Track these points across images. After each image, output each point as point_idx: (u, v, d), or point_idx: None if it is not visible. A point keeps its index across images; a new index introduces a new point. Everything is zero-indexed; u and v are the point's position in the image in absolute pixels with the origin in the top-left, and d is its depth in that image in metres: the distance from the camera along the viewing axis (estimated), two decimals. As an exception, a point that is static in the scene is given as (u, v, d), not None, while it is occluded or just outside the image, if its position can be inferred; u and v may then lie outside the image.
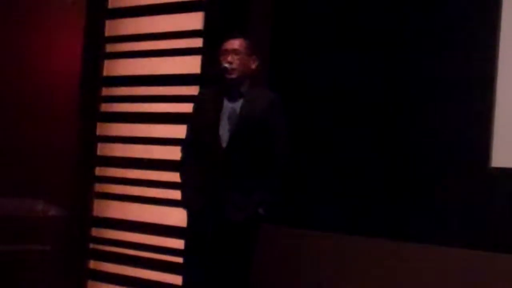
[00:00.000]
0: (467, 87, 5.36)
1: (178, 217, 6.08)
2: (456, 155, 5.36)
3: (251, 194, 4.64)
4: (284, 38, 6.28)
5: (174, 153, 6.10)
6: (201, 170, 4.71)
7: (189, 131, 4.96)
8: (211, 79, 5.04)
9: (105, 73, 7.18)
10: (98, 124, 7.18)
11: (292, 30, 6.25)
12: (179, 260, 6.21)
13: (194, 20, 6.54)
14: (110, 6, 7.19)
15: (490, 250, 5.10)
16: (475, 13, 5.38)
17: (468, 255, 5.16)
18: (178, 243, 6.32)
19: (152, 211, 6.70)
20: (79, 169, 7.12)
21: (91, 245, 7.16)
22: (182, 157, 4.96)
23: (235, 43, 4.79)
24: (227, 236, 4.63)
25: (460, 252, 5.19)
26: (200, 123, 4.77)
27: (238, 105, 4.71)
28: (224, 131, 4.65)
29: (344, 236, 5.67)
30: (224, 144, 4.64)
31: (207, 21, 6.44)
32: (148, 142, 6.77)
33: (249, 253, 4.73)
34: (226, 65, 4.72)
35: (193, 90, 6.29)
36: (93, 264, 7.15)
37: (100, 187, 7.17)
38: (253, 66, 4.81)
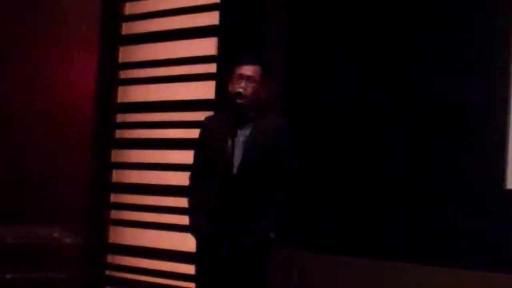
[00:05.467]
0: (483, 110, 5.33)
1: (192, 243, 6.05)
2: (472, 177, 5.33)
3: (262, 219, 4.63)
4: (298, 62, 6.27)
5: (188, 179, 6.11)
6: (211, 195, 4.69)
7: (196, 156, 4.95)
8: (222, 103, 5.04)
9: (119, 100, 7.20)
10: (113, 151, 7.19)
11: (306, 55, 6.25)
12: (193, 286, 6.18)
13: (208, 46, 6.56)
14: (123, 32, 7.23)
15: (505, 272, 5.05)
16: (491, 38, 5.37)
17: (482, 277, 5.11)
18: (192, 269, 6.27)
19: (166, 237, 6.69)
20: (94, 196, 7.13)
21: (107, 272, 7.15)
22: (190, 183, 4.95)
23: (251, 70, 4.75)
24: (239, 260, 4.61)
25: (475, 274, 5.15)
26: (211, 149, 4.75)
27: (247, 131, 4.69)
28: (236, 158, 4.64)
29: (356, 259, 5.63)
30: (234, 170, 4.62)
31: (221, 46, 6.46)
32: (163, 168, 6.77)
33: (261, 277, 4.71)
34: (240, 90, 4.70)
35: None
36: (108, 291, 7.14)
37: (115, 214, 7.17)
38: (264, 95, 4.78)
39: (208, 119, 5.08)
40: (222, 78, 6.19)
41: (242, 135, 4.67)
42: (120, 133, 7.21)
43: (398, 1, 5.81)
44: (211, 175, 4.70)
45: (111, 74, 7.19)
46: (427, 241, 5.48)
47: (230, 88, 4.74)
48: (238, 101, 4.68)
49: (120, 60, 7.22)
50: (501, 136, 5.23)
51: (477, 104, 5.38)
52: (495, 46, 5.35)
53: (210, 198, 4.69)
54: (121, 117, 7.21)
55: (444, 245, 5.39)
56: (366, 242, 5.67)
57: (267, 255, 4.72)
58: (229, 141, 4.59)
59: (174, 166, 6.67)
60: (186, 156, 6.40)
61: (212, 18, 6.54)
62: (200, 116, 6.37)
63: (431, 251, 5.43)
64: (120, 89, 7.22)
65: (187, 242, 6.31)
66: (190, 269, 6.33)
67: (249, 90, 4.70)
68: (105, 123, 7.17)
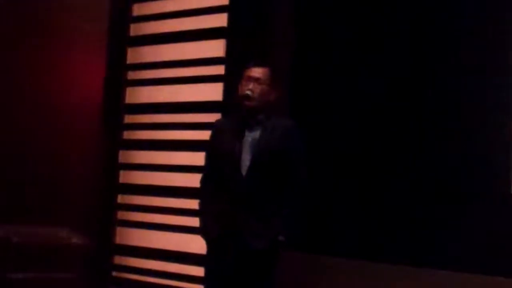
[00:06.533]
0: (488, 114, 5.32)
1: (199, 244, 6.04)
2: (477, 181, 5.32)
3: (271, 222, 4.62)
4: (305, 65, 6.26)
5: (195, 180, 6.06)
6: (221, 198, 4.69)
7: (207, 159, 4.95)
8: (230, 106, 5.04)
9: (127, 101, 7.20)
10: (120, 152, 7.19)
11: (314, 57, 6.24)
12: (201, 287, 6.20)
13: (216, 48, 6.56)
14: (131, 33, 7.23)
15: (509, 277, 5.04)
16: (498, 40, 5.35)
17: (489, 282, 5.10)
18: (199, 271, 6.29)
19: (174, 238, 6.69)
20: (102, 197, 7.13)
21: (114, 273, 7.15)
22: (201, 185, 4.95)
23: (259, 72, 4.76)
24: (247, 263, 4.61)
25: (482, 278, 5.13)
26: (220, 151, 4.75)
27: (256, 133, 4.69)
28: (245, 160, 4.64)
29: (363, 262, 5.62)
30: (244, 173, 4.63)
31: (229, 48, 6.46)
32: (170, 169, 6.77)
33: (269, 280, 4.70)
34: (248, 92, 4.70)
35: (215, 118, 6.27)
36: (115, 292, 7.14)
37: (122, 215, 7.17)
38: (272, 97, 4.78)
39: (218, 121, 5.10)
40: (230, 80, 6.20)
41: (251, 137, 4.67)
42: (127, 134, 7.21)
43: (403, 2, 5.81)
44: (221, 178, 4.71)
45: (119, 75, 7.19)
46: (431, 245, 5.46)
47: (240, 91, 4.75)
48: (246, 103, 4.69)
49: (128, 61, 7.22)
50: (506, 139, 5.21)
51: (482, 106, 5.37)
52: (502, 47, 5.34)
53: (220, 200, 4.69)
54: (128, 118, 7.21)
55: (448, 249, 5.37)
56: (375, 246, 5.66)
57: (276, 259, 4.72)
58: (237, 144, 4.60)
59: (181, 167, 6.67)
60: (194, 158, 6.43)
61: (220, 20, 6.54)
62: (208, 117, 6.41)
63: (435, 255, 5.42)
64: (128, 90, 7.22)
65: (194, 244, 6.34)
66: (196, 270, 6.34)
67: (257, 92, 4.70)
68: (112, 124, 7.17)
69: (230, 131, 4.73)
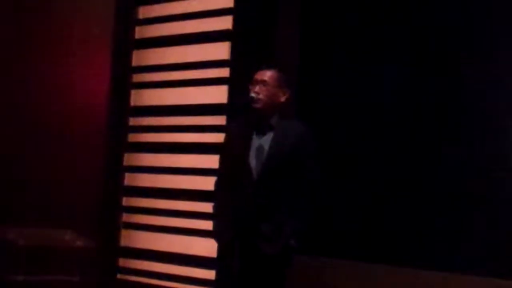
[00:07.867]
0: (495, 115, 5.32)
1: (205, 247, 6.06)
2: (481, 182, 5.31)
3: (283, 226, 4.62)
4: (311, 66, 6.26)
5: (200, 182, 6.11)
6: (234, 201, 4.68)
7: (221, 164, 4.94)
8: (240, 109, 5.03)
9: (132, 103, 7.22)
10: (125, 154, 7.20)
11: (319, 58, 6.24)
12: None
13: (221, 50, 6.57)
14: (137, 36, 7.24)
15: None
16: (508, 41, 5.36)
17: (494, 285, 5.09)
18: (204, 273, 6.30)
19: (179, 241, 6.68)
20: (106, 199, 7.14)
21: (119, 275, 7.15)
22: (215, 189, 4.94)
23: (265, 75, 4.75)
24: (259, 268, 4.60)
25: (486, 281, 5.12)
26: (231, 156, 4.75)
27: (268, 137, 4.69)
28: (254, 164, 4.64)
29: (372, 265, 5.62)
30: (255, 177, 4.63)
31: (234, 51, 6.46)
32: (175, 172, 6.77)
33: (280, 284, 4.69)
34: (253, 95, 4.70)
35: (220, 120, 6.30)
36: (120, 295, 7.15)
37: (127, 217, 7.17)
38: (282, 99, 4.76)
39: (232, 125, 5.10)
40: (235, 83, 6.21)
41: (261, 141, 4.66)
42: (132, 137, 7.22)
43: (406, 4, 5.82)
44: (233, 181, 4.70)
45: (124, 78, 7.20)
46: (433, 246, 5.46)
47: (247, 94, 4.75)
48: (253, 106, 4.69)
49: (133, 63, 7.24)
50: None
51: (489, 108, 5.36)
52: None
53: (233, 204, 4.68)
54: (134, 121, 7.22)
55: (456, 252, 5.36)
56: (383, 249, 5.66)
57: (287, 263, 4.69)
58: (244, 148, 4.61)
59: (186, 170, 6.67)
60: (199, 160, 6.44)
61: (225, 23, 6.54)
62: (212, 120, 6.42)
63: (442, 257, 5.42)
64: (133, 93, 7.23)
65: (199, 246, 6.35)
66: (201, 273, 6.35)
67: (262, 94, 4.70)
68: (118, 126, 7.18)
69: (240, 135, 4.74)
